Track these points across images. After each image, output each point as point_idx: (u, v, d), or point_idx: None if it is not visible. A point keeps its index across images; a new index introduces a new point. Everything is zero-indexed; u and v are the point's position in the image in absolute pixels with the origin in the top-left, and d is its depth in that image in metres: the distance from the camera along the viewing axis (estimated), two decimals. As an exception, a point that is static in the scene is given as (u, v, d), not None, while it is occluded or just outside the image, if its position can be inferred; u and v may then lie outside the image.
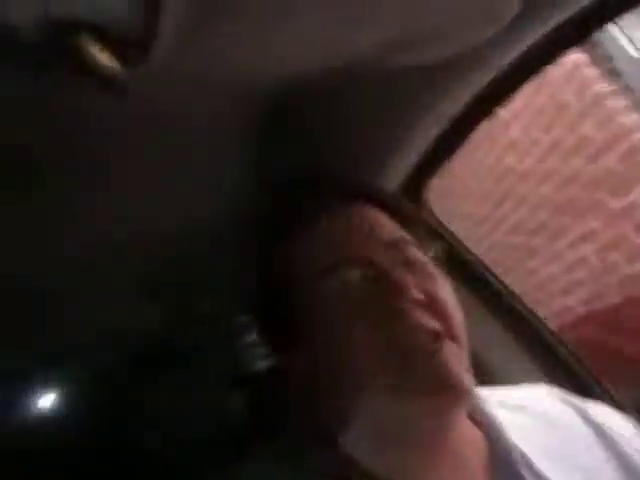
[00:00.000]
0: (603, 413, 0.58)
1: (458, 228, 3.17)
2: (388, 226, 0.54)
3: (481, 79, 0.66)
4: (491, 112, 0.76)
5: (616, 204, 2.01)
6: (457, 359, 0.46)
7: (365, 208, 0.54)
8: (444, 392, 0.45)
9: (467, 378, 0.46)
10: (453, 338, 0.47)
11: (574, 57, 1.99)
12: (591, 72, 1.97)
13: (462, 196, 2.95)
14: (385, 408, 0.46)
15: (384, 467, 0.47)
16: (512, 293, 1.07)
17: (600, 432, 0.55)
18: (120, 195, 0.69)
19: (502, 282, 1.08)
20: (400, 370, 0.45)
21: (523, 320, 1.07)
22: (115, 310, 1.05)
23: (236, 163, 0.70)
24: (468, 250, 1.04)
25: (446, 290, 0.50)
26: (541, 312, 2.70)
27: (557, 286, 2.42)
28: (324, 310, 0.48)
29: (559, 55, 0.65)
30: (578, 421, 0.56)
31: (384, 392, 0.45)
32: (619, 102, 1.92)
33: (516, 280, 2.76)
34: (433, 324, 0.46)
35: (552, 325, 2.59)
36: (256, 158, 0.69)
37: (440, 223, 1.07)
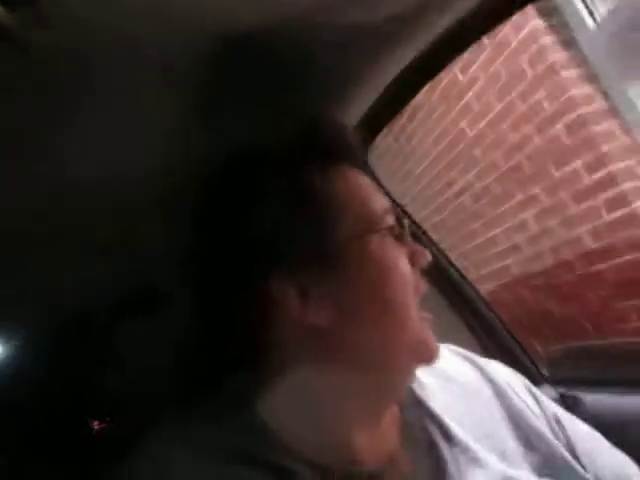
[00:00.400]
0: (500, 371, 0.62)
1: (408, 187, 3.23)
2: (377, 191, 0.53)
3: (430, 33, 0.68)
4: (442, 66, 0.76)
5: (558, 173, 2.09)
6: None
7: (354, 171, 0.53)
8: (421, 355, 0.49)
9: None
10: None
11: (532, 23, 2.00)
12: (548, 40, 1.99)
13: (415, 157, 2.99)
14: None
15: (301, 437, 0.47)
16: (441, 251, 1.11)
17: (497, 390, 0.58)
18: (76, 139, 0.66)
19: (431, 239, 1.12)
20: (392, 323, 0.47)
21: (449, 279, 1.12)
22: (60, 267, 1.02)
23: (188, 113, 0.68)
24: (403, 209, 1.06)
25: None
26: (480, 272, 2.82)
27: (496, 248, 2.53)
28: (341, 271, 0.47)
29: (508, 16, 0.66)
30: (478, 379, 0.60)
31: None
32: (572, 72, 1.96)
33: (459, 241, 2.87)
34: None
35: (490, 285, 2.71)
36: (209, 107, 0.67)
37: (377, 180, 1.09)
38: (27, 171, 0.68)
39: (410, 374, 0.51)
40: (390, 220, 0.50)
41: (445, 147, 2.70)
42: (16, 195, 0.74)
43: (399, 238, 0.50)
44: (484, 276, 2.62)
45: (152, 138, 0.73)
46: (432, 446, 0.51)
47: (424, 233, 1.09)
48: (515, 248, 2.41)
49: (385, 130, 0.93)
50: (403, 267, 0.49)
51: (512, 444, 0.54)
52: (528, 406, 0.58)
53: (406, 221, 0.53)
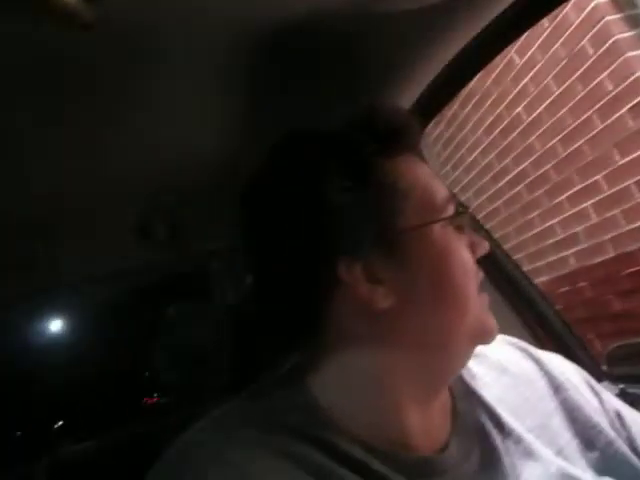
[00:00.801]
0: (557, 363, 0.60)
1: (459, 177, 3.17)
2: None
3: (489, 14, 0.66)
4: (498, 50, 0.73)
5: (622, 159, 1.98)
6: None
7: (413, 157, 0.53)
8: (480, 336, 0.50)
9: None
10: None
11: (595, 1, 1.90)
12: (612, 18, 1.88)
13: (467, 145, 2.91)
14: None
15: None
16: (494, 242, 1.08)
17: (553, 382, 0.57)
18: (127, 122, 0.69)
19: (484, 229, 1.09)
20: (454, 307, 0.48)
21: (504, 271, 1.09)
22: (110, 246, 1.07)
23: (247, 96, 0.69)
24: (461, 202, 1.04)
25: None
26: (536, 264, 2.73)
27: (554, 239, 2.43)
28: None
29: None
30: (533, 369, 0.58)
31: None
32: (639, 52, 1.85)
33: (513, 232, 2.78)
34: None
35: (546, 277, 2.62)
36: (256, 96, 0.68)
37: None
38: (103, 142, 0.71)
39: (467, 356, 0.51)
40: (451, 210, 0.50)
41: (499, 134, 2.61)
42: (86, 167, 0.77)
43: (460, 228, 0.50)
44: (540, 268, 2.53)
45: (215, 120, 0.74)
46: (484, 436, 0.51)
47: (477, 223, 1.06)
48: (573, 239, 2.31)
49: (436, 118, 0.90)
50: (464, 254, 0.49)
51: (568, 438, 0.53)
52: (587, 400, 0.56)
53: (467, 210, 0.52)
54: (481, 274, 0.51)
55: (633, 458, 0.51)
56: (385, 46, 0.67)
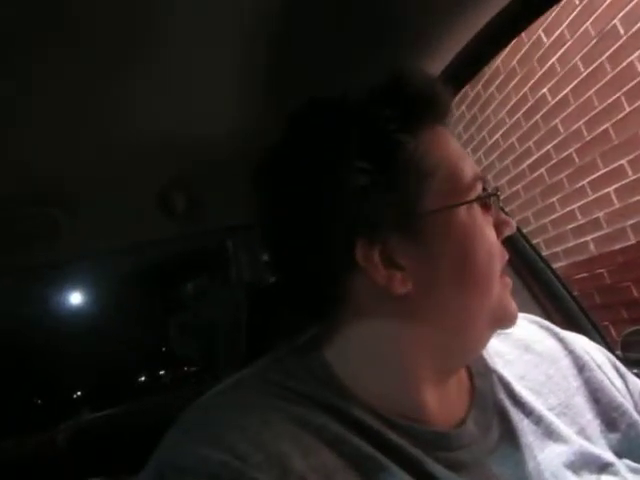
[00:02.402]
0: (582, 343, 0.59)
1: (480, 159, 3.13)
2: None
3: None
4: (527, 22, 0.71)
5: (649, 144, 1.93)
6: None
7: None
8: (500, 320, 0.49)
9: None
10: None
11: (629, -22, 1.83)
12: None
13: (489, 126, 2.86)
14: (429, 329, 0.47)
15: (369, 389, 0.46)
16: (517, 229, 1.07)
17: (577, 361, 0.56)
18: (145, 90, 0.68)
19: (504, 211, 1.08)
20: (478, 292, 0.46)
21: (522, 255, 1.08)
22: (130, 217, 1.07)
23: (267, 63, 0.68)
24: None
25: None
26: (555, 248, 2.70)
27: (574, 224, 2.39)
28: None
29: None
30: (556, 348, 0.58)
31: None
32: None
33: (533, 215, 2.75)
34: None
35: (565, 262, 2.59)
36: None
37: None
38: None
39: (486, 339, 0.50)
40: (479, 188, 0.47)
41: (523, 116, 2.55)
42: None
43: (486, 207, 0.48)
44: (559, 253, 2.50)
45: (235, 88, 0.73)
46: (503, 414, 0.50)
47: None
48: (595, 224, 2.27)
49: (457, 98, 0.88)
50: (490, 236, 0.47)
51: (590, 418, 0.52)
52: (611, 381, 0.55)
53: (497, 191, 0.50)
54: (506, 255, 0.50)
55: None
56: (417, 11, 0.65)
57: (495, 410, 0.50)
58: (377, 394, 0.46)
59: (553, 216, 2.52)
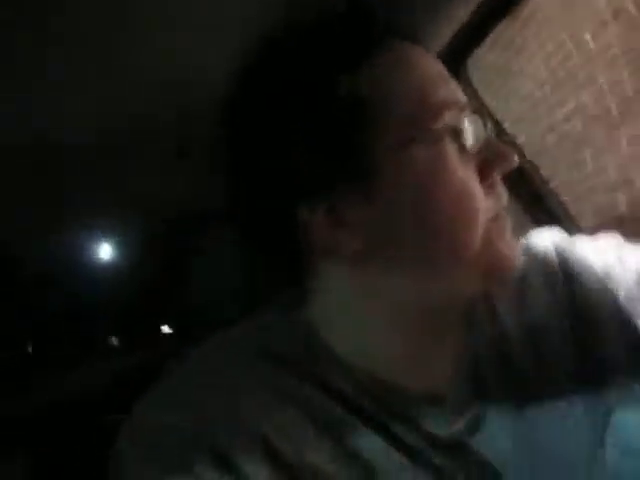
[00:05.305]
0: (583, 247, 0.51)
1: (511, 108, 2.98)
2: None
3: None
4: None
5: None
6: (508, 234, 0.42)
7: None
8: (501, 267, 0.41)
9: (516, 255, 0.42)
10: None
11: None
12: None
13: (522, 74, 2.71)
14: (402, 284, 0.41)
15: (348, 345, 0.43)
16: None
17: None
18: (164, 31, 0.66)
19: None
20: (460, 242, 0.39)
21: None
22: (147, 172, 1.06)
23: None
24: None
25: None
26: (584, 205, 2.60)
27: (606, 181, 2.29)
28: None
29: None
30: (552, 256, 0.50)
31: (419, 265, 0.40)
32: None
33: (564, 169, 2.64)
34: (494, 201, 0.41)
35: (594, 221, 2.50)
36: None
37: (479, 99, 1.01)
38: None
39: (474, 286, 0.42)
40: (452, 118, 0.39)
41: (559, 62, 2.40)
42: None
43: (461, 142, 0.40)
44: (587, 210, 2.40)
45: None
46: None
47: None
48: (627, 182, 2.17)
49: (489, 42, 0.83)
50: (461, 177, 0.39)
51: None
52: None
53: (485, 119, 0.42)
54: (499, 198, 0.42)
55: None
56: None
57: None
58: (356, 359, 0.42)
59: (585, 171, 2.41)
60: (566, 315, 0.47)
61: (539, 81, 2.59)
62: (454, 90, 0.41)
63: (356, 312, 0.43)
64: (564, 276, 0.48)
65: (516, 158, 0.42)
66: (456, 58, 0.81)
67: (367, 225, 0.40)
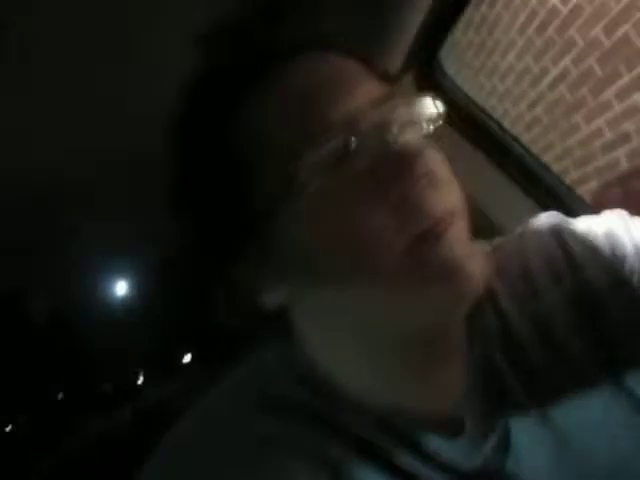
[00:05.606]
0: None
1: (496, 85, 2.98)
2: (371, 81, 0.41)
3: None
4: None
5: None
6: (462, 239, 0.38)
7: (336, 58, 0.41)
8: (449, 281, 0.36)
9: (472, 262, 0.36)
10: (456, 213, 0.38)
11: None
12: None
13: (500, 49, 2.70)
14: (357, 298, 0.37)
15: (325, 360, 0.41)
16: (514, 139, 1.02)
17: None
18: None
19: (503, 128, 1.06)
20: (402, 254, 0.35)
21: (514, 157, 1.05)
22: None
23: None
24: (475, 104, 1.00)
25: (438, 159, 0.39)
26: (585, 169, 2.58)
27: (602, 140, 2.27)
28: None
29: None
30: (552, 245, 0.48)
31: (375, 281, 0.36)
32: None
33: (558, 137, 2.62)
34: (437, 203, 0.36)
35: (598, 181, 2.48)
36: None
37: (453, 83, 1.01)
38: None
39: (439, 298, 0.37)
40: (331, 145, 0.35)
41: (534, 32, 2.39)
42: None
43: (351, 164, 0.36)
44: (590, 173, 2.38)
45: None
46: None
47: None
48: (625, 137, 2.15)
49: (463, 23, 0.83)
50: (347, 213, 0.35)
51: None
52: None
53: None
54: (421, 208, 0.36)
55: None
56: None
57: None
58: (358, 385, 0.40)
59: (580, 135, 2.39)
60: (574, 305, 0.44)
61: (518, 53, 2.58)
62: (362, 94, 0.38)
63: (334, 345, 0.41)
64: (569, 266, 0.46)
65: (426, 161, 0.37)
66: (427, 51, 0.80)
67: (277, 275, 0.38)
